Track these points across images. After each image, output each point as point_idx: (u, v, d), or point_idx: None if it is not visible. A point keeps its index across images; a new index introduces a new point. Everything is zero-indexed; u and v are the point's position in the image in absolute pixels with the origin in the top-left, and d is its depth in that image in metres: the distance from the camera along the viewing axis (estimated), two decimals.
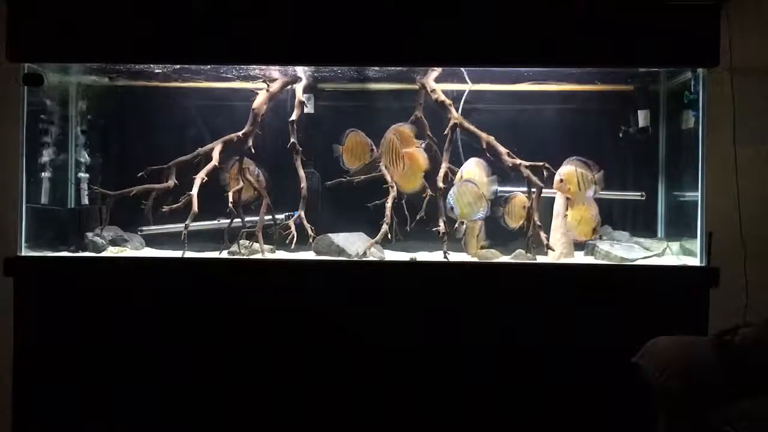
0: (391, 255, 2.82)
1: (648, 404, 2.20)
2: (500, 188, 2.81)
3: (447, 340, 2.55)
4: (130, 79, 3.00)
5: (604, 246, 2.76)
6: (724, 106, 2.76)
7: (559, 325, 2.53)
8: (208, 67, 2.76)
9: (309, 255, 2.79)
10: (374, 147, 2.78)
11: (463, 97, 2.90)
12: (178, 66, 2.75)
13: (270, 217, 2.83)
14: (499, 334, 2.55)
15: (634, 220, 3.04)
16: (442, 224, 2.70)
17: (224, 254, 2.75)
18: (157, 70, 2.82)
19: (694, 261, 2.61)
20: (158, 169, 2.75)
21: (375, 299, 2.56)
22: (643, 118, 2.92)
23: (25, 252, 2.64)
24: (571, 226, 2.74)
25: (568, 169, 2.72)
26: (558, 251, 2.74)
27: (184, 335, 2.56)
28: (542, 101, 3.02)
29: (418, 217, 2.81)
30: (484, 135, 2.78)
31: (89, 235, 2.79)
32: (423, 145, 2.80)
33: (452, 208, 2.67)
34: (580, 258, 2.83)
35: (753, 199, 2.83)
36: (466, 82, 2.90)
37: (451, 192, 2.70)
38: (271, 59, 2.64)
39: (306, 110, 2.88)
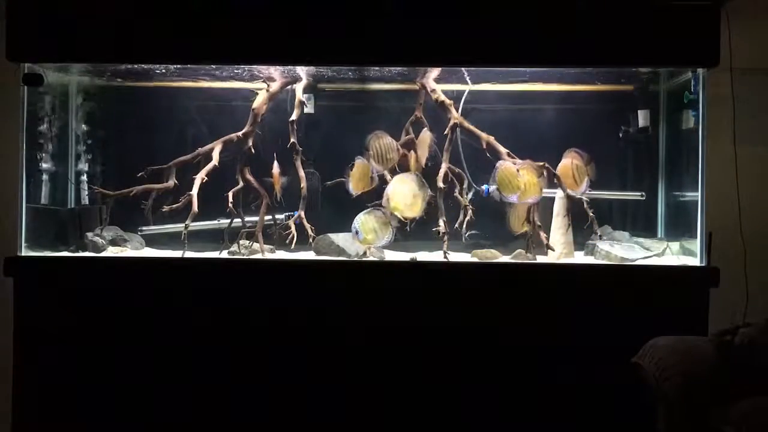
0: (391, 255, 2.82)
1: (648, 404, 2.20)
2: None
3: (447, 340, 2.55)
4: (129, 79, 3.00)
5: (604, 246, 2.76)
6: (724, 106, 2.76)
7: (559, 325, 2.53)
8: (210, 66, 2.76)
9: (309, 255, 2.79)
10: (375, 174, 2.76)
11: (463, 97, 2.90)
12: (178, 66, 2.75)
13: (270, 217, 2.83)
14: (499, 334, 2.55)
15: (634, 220, 3.04)
16: (442, 224, 2.70)
17: (224, 254, 2.75)
18: (157, 70, 2.82)
19: (694, 261, 2.61)
20: (158, 169, 2.75)
21: (375, 299, 2.56)
22: (643, 118, 2.92)
23: (25, 252, 2.64)
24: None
25: (563, 164, 2.71)
26: (558, 251, 2.74)
27: (183, 335, 2.56)
28: (542, 101, 3.03)
29: (418, 217, 2.80)
30: (484, 135, 2.78)
31: (89, 235, 2.79)
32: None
33: (357, 233, 2.65)
34: (580, 258, 2.83)
35: (753, 199, 2.84)
36: (466, 82, 2.90)
37: (357, 217, 2.67)
38: (271, 59, 2.64)
39: (306, 110, 2.88)
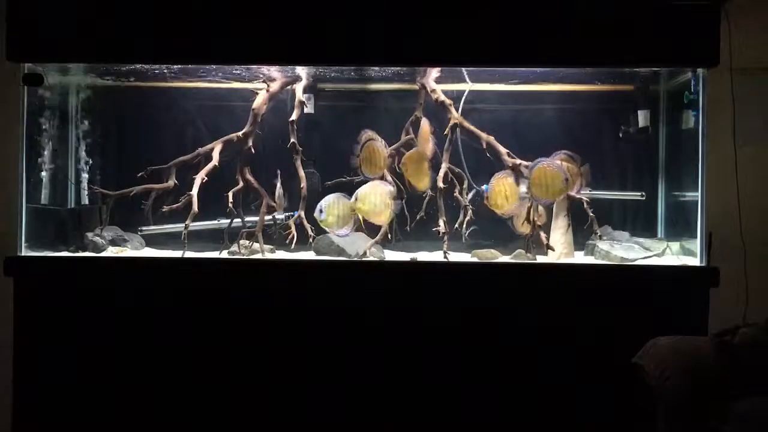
0: (391, 255, 2.82)
1: (648, 404, 2.20)
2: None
3: (447, 340, 2.55)
4: (130, 78, 2.99)
5: (604, 246, 2.76)
6: (724, 106, 2.76)
7: (559, 325, 2.53)
8: (210, 66, 2.76)
9: (309, 255, 2.79)
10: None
11: (463, 97, 2.90)
12: (178, 66, 2.75)
13: (270, 217, 2.83)
14: (499, 334, 2.55)
15: (634, 220, 3.04)
16: (442, 224, 2.70)
17: (224, 254, 2.75)
18: (155, 71, 2.82)
19: (694, 261, 2.61)
20: (158, 169, 2.75)
21: (375, 299, 2.56)
22: (643, 118, 2.92)
23: (25, 252, 2.64)
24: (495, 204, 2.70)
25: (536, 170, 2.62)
26: (558, 251, 2.74)
27: (184, 335, 2.56)
28: (542, 101, 3.03)
29: (418, 217, 2.81)
30: (484, 135, 2.78)
31: (89, 235, 2.79)
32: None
33: (321, 211, 2.65)
34: (580, 258, 2.83)
35: (753, 199, 2.84)
36: (466, 82, 2.90)
37: (328, 196, 2.67)
38: (271, 59, 2.64)
39: (306, 110, 2.88)
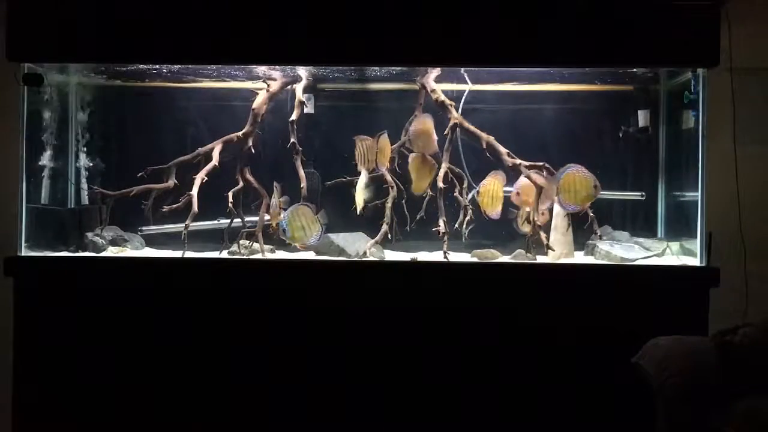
0: (391, 255, 2.82)
1: (648, 404, 2.20)
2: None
3: (447, 340, 2.55)
4: (130, 79, 3.00)
5: (604, 246, 2.76)
6: (724, 106, 2.76)
7: (559, 324, 2.53)
8: (210, 67, 2.76)
9: (309, 255, 2.79)
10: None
11: (463, 97, 2.90)
12: (178, 66, 2.76)
13: (270, 216, 2.83)
14: (499, 334, 2.55)
15: (634, 220, 3.04)
16: (442, 224, 2.70)
17: (224, 254, 2.75)
18: (155, 71, 2.82)
19: (694, 261, 2.61)
20: (158, 169, 2.75)
21: (375, 299, 2.56)
22: (643, 118, 2.92)
23: (25, 252, 2.64)
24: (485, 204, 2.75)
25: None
26: (558, 251, 2.74)
27: (184, 335, 2.56)
28: (542, 101, 3.03)
29: (418, 217, 2.81)
30: (484, 135, 2.78)
31: (89, 235, 2.79)
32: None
33: (284, 231, 2.65)
34: (580, 258, 2.83)
35: (753, 199, 2.84)
36: (466, 82, 2.90)
37: (285, 214, 2.67)
38: (271, 59, 2.64)
39: (306, 110, 2.88)
